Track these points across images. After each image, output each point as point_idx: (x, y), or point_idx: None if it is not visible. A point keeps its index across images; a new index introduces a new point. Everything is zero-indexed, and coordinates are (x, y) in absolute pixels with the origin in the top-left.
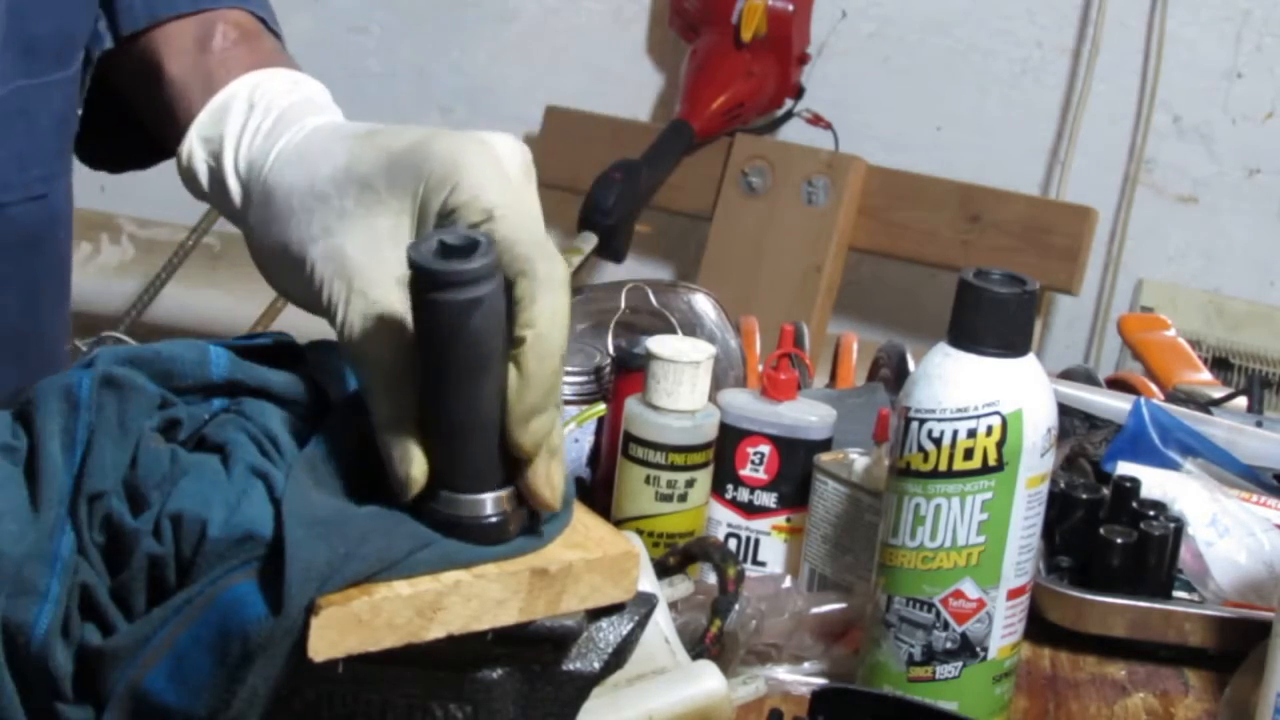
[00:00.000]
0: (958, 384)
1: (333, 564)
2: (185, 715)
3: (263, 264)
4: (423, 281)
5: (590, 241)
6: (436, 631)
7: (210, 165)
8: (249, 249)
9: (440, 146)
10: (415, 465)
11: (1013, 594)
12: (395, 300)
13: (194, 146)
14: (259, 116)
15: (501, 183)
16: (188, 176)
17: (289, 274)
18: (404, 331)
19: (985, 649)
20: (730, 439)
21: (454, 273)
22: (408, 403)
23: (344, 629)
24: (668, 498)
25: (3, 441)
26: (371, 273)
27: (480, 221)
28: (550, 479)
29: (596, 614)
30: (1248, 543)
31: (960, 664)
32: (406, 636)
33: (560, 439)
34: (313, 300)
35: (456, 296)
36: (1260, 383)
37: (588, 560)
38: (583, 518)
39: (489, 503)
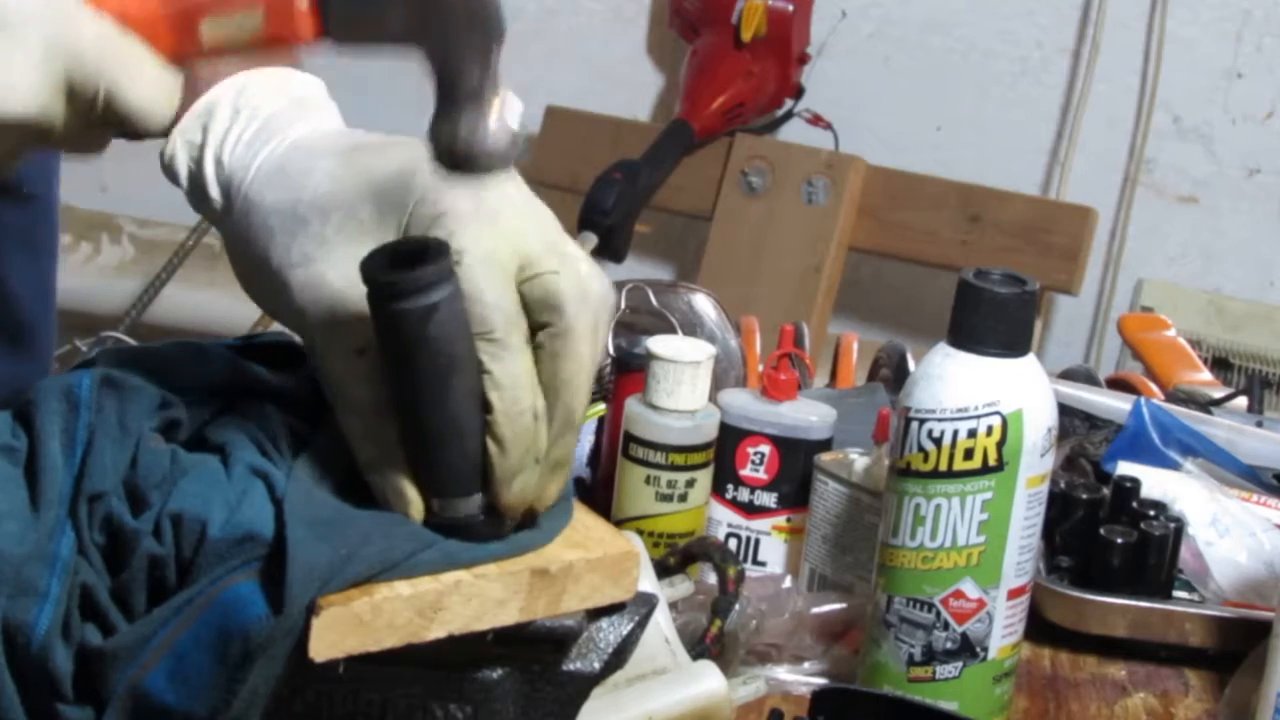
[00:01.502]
0: (958, 384)
1: (334, 565)
2: (185, 715)
3: (240, 274)
4: (377, 293)
5: (590, 241)
6: (437, 631)
7: (191, 169)
8: (228, 256)
9: (426, 178)
10: (413, 506)
11: (1013, 594)
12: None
13: (177, 149)
14: (242, 124)
15: (475, 226)
16: (170, 175)
17: (266, 292)
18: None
19: (985, 649)
20: (730, 439)
21: (407, 280)
22: (391, 439)
23: (345, 629)
24: (668, 498)
25: (3, 442)
26: (349, 305)
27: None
28: (542, 500)
29: (596, 614)
30: (1248, 543)
31: (960, 664)
32: (407, 637)
33: (566, 453)
34: (289, 321)
35: (413, 305)
36: (1260, 383)
37: (588, 560)
38: (583, 517)
39: (480, 501)
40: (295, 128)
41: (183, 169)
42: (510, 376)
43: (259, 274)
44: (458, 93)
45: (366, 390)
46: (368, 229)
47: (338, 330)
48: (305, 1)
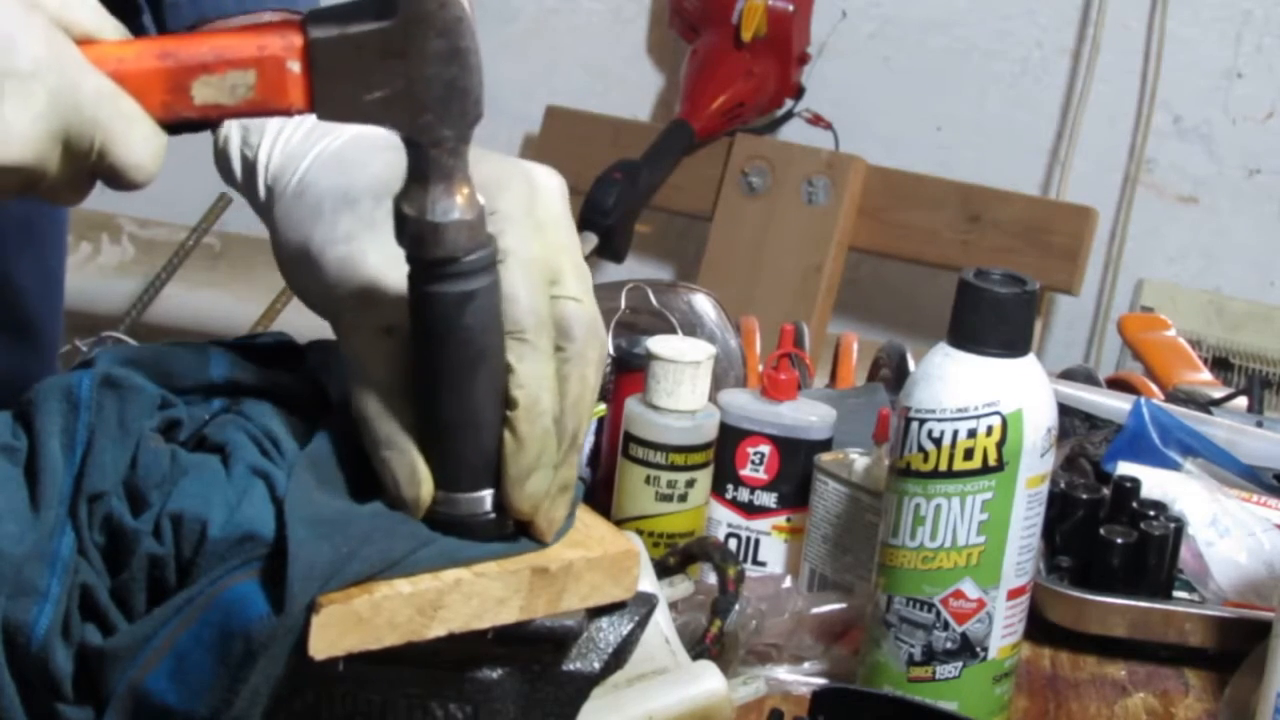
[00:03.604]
0: (958, 384)
1: (335, 564)
2: (186, 715)
3: (282, 260)
4: (419, 272)
5: (590, 241)
6: (437, 630)
7: (245, 155)
8: (272, 244)
9: (481, 177)
10: (424, 487)
11: (1013, 594)
12: (405, 316)
13: (231, 134)
14: (299, 117)
15: (524, 230)
16: (221, 161)
17: (304, 273)
18: (408, 349)
19: (985, 649)
20: (730, 439)
21: (449, 264)
22: (406, 422)
23: (345, 627)
24: (668, 498)
25: (3, 441)
26: (386, 284)
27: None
28: (550, 519)
29: (596, 613)
30: (1248, 543)
31: (960, 664)
32: (407, 635)
33: (571, 476)
34: (320, 299)
35: (451, 288)
36: (1260, 383)
37: (588, 559)
38: (583, 516)
39: (487, 499)
40: (351, 127)
41: (236, 153)
42: (535, 378)
43: (300, 256)
44: (430, 172)
45: (387, 371)
46: None
47: (367, 307)
48: (298, 66)
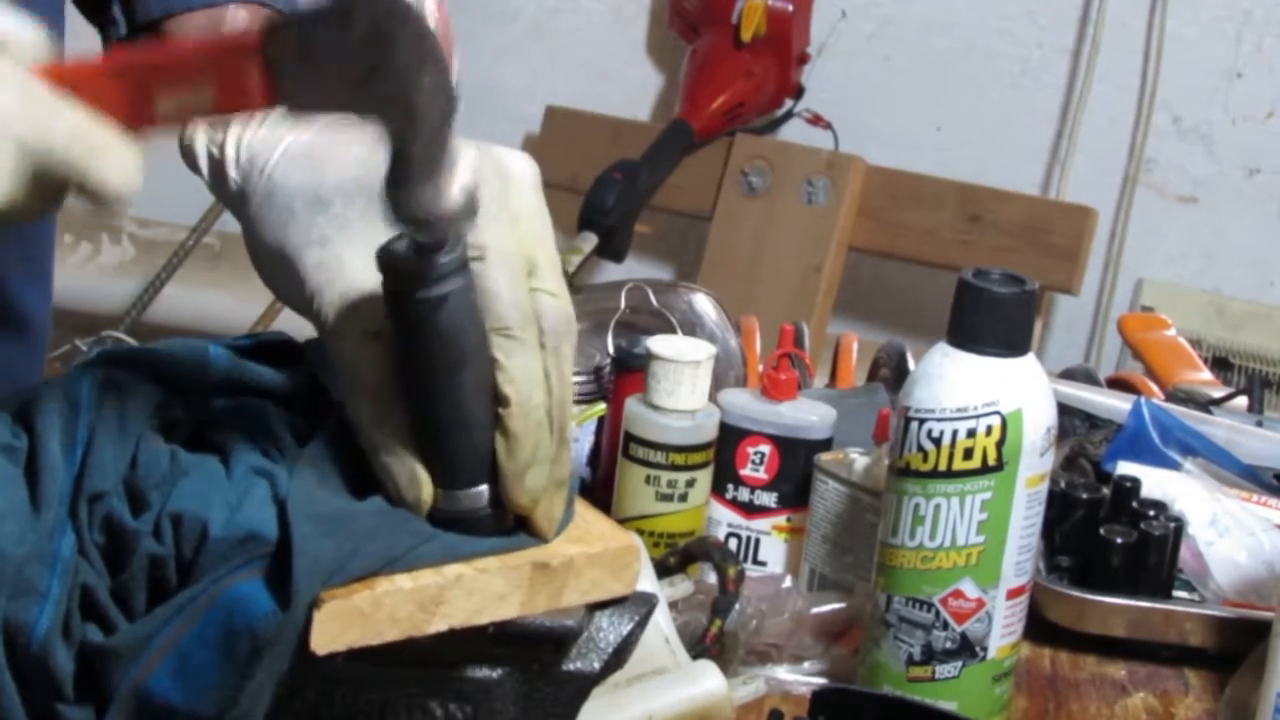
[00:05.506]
0: (957, 384)
1: (339, 560)
2: (190, 714)
3: (257, 260)
4: (390, 280)
5: (590, 241)
6: (438, 625)
7: (212, 151)
8: (246, 245)
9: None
10: (424, 490)
11: (1012, 594)
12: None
13: (197, 132)
14: None
15: (501, 224)
16: (187, 156)
17: (281, 275)
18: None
19: (985, 649)
20: (730, 439)
21: (420, 269)
22: (401, 424)
23: (346, 622)
24: (668, 498)
25: (3, 441)
26: (366, 289)
27: (473, 257)
28: (549, 515)
29: (596, 611)
30: (1248, 543)
31: (960, 664)
32: (408, 630)
33: (565, 471)
34: (302, 305)
35: (424, 294)
36: (1260, 383)
37: (589, 554)
38: (583, 512)
39: (485, 494)
40: (318, 118)
41: (202, 149)
42: (525, 370)
43: (275, 257)
44: (412, 165)
45: (377, 375)
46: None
47: (351, 313)
48: (256, 76)
